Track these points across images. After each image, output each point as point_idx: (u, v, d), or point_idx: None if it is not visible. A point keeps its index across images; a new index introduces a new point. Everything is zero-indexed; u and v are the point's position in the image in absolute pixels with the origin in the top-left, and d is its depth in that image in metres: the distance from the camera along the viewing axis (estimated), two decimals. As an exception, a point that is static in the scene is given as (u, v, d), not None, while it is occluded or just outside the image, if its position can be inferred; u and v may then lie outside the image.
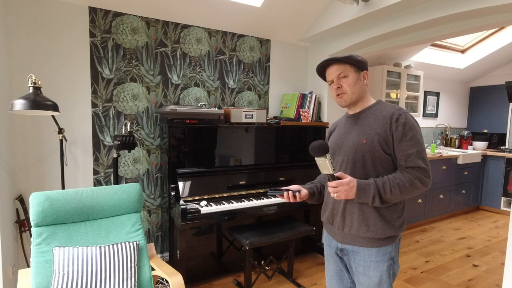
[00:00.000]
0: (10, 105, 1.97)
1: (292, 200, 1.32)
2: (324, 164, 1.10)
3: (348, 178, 1.15)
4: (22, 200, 2.15)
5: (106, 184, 2.50)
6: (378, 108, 1.27)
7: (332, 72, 1.27)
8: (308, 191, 1.38)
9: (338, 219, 1.29)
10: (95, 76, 2.38)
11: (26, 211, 2.15)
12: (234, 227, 2.39)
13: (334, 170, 1.13)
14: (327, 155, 1.08)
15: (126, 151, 2.56)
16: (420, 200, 3.93)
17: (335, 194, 1.15)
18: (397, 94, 3.86)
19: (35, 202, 1.53)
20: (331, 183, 1.15)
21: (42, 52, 2.19)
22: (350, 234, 1.26)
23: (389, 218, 1.22)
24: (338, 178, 1.16)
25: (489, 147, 5.00)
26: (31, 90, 1.68)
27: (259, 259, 2.73)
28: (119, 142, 2.04)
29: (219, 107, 2.92)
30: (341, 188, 1.14)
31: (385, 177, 1.18)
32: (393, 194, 1.15)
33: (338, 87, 1.27)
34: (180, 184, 2.29)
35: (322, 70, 1.33)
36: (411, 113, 3.54)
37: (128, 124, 2.46)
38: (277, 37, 3.14)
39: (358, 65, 1.25)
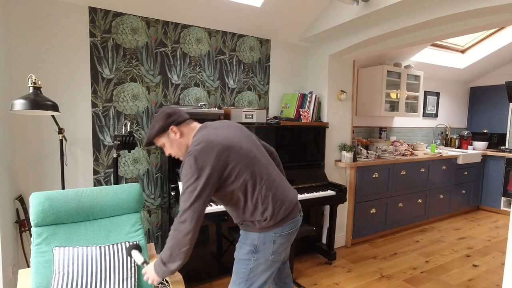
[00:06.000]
0: (10, 105, 1.97)
1: None
2: (137, 258, 1.50)
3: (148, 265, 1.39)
4: (22, 200, 2.15)
5: (106, 184, 2.50)
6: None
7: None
8: None
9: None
10: (95, 76, 2.39)
11: (26, 211, 2.15)
12: (234, 227, 2.39)
13: (144, 260, 1.48)
14: (132, 252, 1.54)
15: (126, 151, 2.56)
16: (420, 200, 3.94)
17: (148, 280, 1.36)
18: (397, 94, 3.86)
19: (35, 202, 1.53)
20: (143, 271, 1.40)
21: (42, 52, 2.19)
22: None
23: (243, 215, 1.41)
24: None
25: (489, 147, 5.00)
26: (31, 90, 1.68)
27: (259, 259, 2.72)
28: (119, 142, 2.04)
29: (219, 107, 2.92)
30: (147, 274, 1.36)
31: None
32: (171, 253, 1.27)
33: (167, 153, 1.51)
34: (180, 184, 2.29)
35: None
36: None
37: (128, 124, 2.46)
38: (277, 37, 3.14)
39: (161, 133, 1.42)
